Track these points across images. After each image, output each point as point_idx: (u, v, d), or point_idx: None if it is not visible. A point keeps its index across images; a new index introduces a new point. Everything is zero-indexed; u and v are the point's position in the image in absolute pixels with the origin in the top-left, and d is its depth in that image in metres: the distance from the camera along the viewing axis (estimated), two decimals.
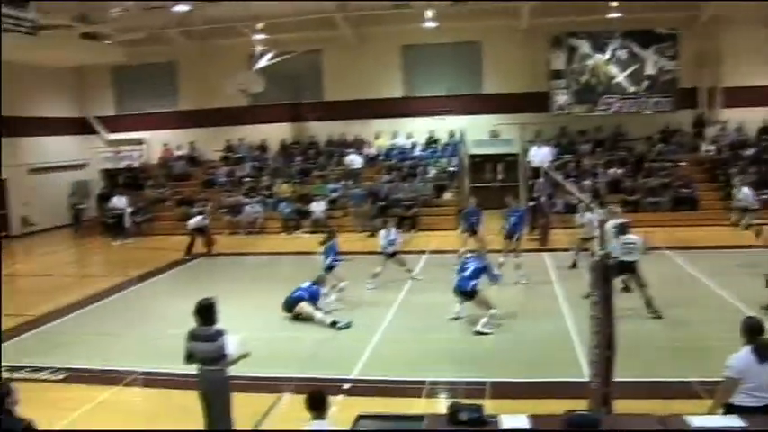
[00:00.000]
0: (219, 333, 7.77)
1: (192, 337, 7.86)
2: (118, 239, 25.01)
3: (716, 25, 26.25)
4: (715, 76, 27.03)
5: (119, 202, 25.57)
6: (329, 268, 15.25)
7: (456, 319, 13.22)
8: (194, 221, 21.69)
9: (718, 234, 20.68)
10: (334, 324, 13.27)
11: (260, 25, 25.82)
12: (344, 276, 15.42)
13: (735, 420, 6.50)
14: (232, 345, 7.81)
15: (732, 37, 26.22)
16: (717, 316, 13.12)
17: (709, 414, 6.88)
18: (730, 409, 6.79)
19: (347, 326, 13.29)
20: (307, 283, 14.27)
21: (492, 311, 12.74)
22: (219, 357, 7.73)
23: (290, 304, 13.92)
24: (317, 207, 25.74)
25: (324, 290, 14.51)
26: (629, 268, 13.28)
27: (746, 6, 24.90)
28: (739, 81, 26.57)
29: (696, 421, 6.47)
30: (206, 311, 7.85)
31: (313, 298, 13.97)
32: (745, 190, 18.67)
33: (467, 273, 13.00)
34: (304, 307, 13.72)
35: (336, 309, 14.44)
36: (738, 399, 6.76)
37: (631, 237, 13.42)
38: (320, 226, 25.18)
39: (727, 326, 12.46)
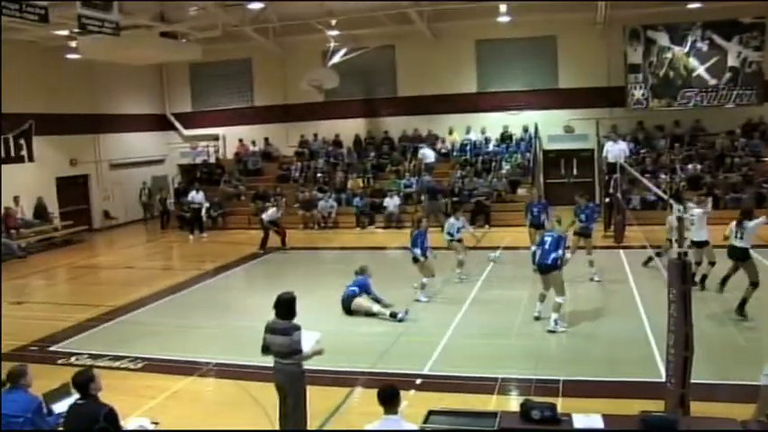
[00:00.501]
0: (295, 328, 7.82)
1: (270, 329, 7.95)
2: (195, 233, 25.50)
3: None
4: None
5: (196, 196, 26.04)
6: (415, 260, 15.11)
7: (538, 318, 12.99)
8: (268, 214, 21.96)
9: None
10: (393, 316, 13.33)
11: (334, 21, 25.97)
12: (432, 269, 15.33)
13: None
14: (306, 341, 7.87)
15: None
16: None
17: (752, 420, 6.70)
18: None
19: (406, 314, 13.34)
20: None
21: (562, 299, 12.56)
22: (294, 352, 7.79)
23: (345, 303, 13.98)
24: (391, 202, 25.84)
25: (370, 279, 14.38)
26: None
27: None
28: None
29: None
30: (286, 305, 7.91)
31: (364, 290, 14.00)
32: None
33: (547, 246, 12.79)
34: (360, 303, 13.79)
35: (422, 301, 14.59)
36: None
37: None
38: (394, 221, 25.35)
39: None
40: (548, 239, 12.88)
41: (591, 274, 16.02)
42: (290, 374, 7.86)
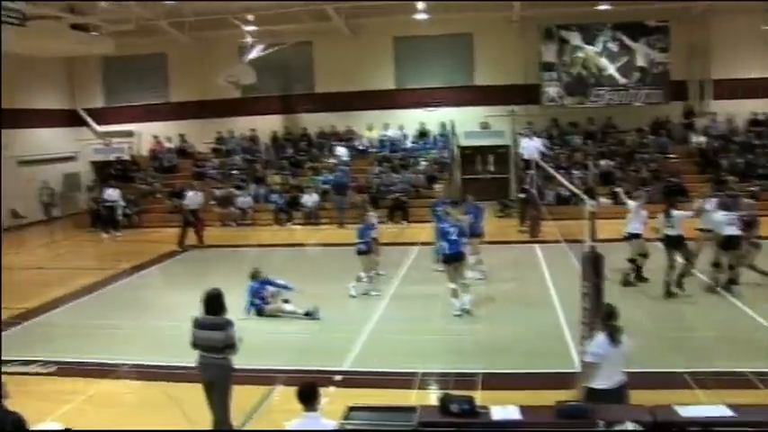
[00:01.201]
0: (230, 323, 7.88)
1: (199, 325, 7.95)
2: (109, 232, 24.88)
3: (707, 17, 26.33)
4: (705, 68, 27.13)
5: (112, 194, 25.35)
6: (360, 252, 15.02)
7: (460, 315, 13.11)
8: (190, 199, 21.57)
9: None
10: (308, 314, 13.24)
11: (251, 17, 25.74)
12: (376, 264, 15.29)
13: (723, 410, 6.55)
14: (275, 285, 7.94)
15: (722, 29, 26.29)
16: (708, 307, 13.24)
17: (572, 398, 7.10)
18: (591, 393, 7.13)
19: (316, 311, 13.25)
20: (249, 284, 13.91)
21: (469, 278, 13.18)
22: (228, 346, 7.82)
23: (252, 313, 13.69)
24: (309, 199, 25.74)
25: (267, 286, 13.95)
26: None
27: None
28: (729, 73, 26.71)
29: (684, 411, 6.53)
30: (215, 301, 7.94)
31: (260, 295, 13.67)
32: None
33: (453, 236, 13.18)
34: (271, 310, 13.57)
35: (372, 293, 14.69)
36: (597, 383, 7.13)
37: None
38: (312, 218, 25.27)
39: (717, 316, 12.67)
40: (451, 230, 13.21)
41: (475, 274, 15.57)
42: (221, 369, 7.88)
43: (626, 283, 14.67)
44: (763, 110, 27.26)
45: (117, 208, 25.30)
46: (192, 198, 21.72)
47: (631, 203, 14.95)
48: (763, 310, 12.59)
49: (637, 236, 14.69)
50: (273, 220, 25.96)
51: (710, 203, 14.66)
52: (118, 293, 16.51)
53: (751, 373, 9.69)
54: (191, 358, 7.99)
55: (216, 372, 7.88)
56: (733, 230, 13.74)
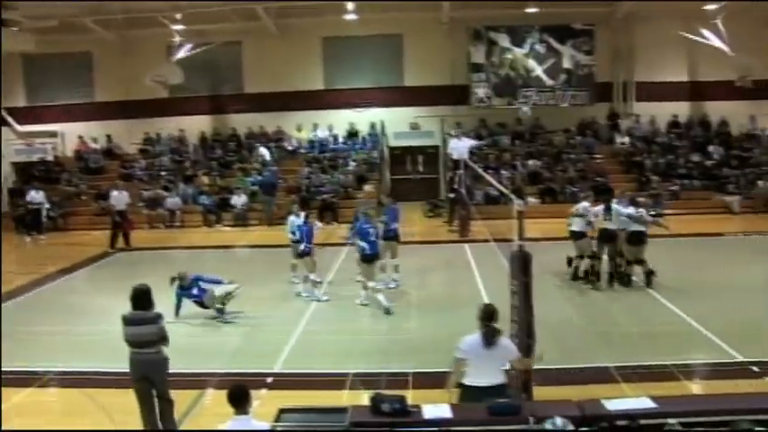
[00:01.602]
0: (160, 316, 7.95)
1: (129, 321, 7.88)
2: (32, 235, 24.18)
3: (630, 22, 27.06)
4: (629, 70, 27.87)
5: (36, 196, 24.52)
6: (300, 255, 14.76)
7: (390, 312, 13.28)
8: (115, 198, 21.14)
9: None
10: (221, 311, 13.14)
11: (179, 15, 25.38)
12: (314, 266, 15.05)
13: (647, 402, 6.73)
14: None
15: (645, 33, 27.03)
16: (635, 304, 13.58)
17: (448, 397, 7.27)
18: (464, 390, 7.27)
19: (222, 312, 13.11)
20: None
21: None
22: (161, 339, 7.88)
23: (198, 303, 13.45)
24: (238, 200, 25.50)
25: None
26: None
27: (660, 3, 25.66)
28: (651, 76, 27.49)
29: (610, 405, 6.68)
30: (143, 296, 7.94)
31: (192, 296, 13.39)
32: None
33: (373, 237, 13.59)
34: (207, 299, 13.31)
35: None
36: (469, 379, 7.23)
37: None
38: (241, 219, 25.05)
39: (643, 313, 13.00)
40: (371, 230, 13.57)
41: (390, 281, 15.48)
42: (156, 363, 7.89)
43: (575, 277, 15.25)
44: (683, 112, 28.24)
45: (41, 210, 24.56)
46: (118, 198, 21.24)
47: (583, 204, 15.26)
48: (683, 304, 13.00)
49: (579, 235, 15.04)
50: (202, 221, 25.65)
51: (622, 202, 15.05)
52: (44, 298, 16.05)
53: (672, 365, 10.00)
54: (118, 364, 7.84)
55: (151, 366, 7.88)
56: (638, 227, 14.46)
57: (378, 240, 13.68)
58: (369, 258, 13.51)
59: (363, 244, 13.48)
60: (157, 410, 7.98)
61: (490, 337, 7.19)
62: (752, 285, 14.23)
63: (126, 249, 20.97)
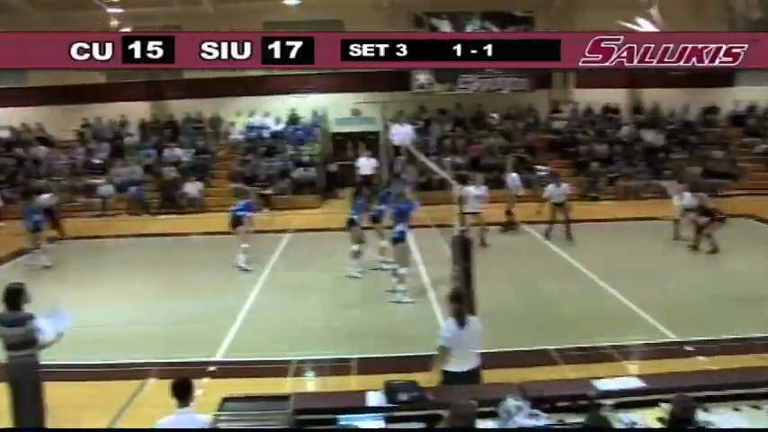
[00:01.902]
0: (29, 317, 7.59)
1: (0, 321, 7.64)
2: None
3: (569, 9, 27.30)
4: None
5: None
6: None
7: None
8: (43, 200, 20.66)
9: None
10: None
11: None
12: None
13: (636, 382, 6.89)
14: (47, 327, 7.60)
15: (584, 21, 27.23)
16: (573, 287, 13.83)
17: (429, 382, 7.33)
18: (446, 376, 7.41)
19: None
20: None
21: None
22: (30, 342, 7.55)
23: None
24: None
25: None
26: None
27: None
28: None
29: (601, 385, 6.87)
30: (13, 296, 7.66)
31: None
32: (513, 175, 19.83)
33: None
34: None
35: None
36: (450, 366, 7.39)
37: None
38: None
39: (584, 296, 13.25)
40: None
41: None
42: (24, 366, 7.58)
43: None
44: (620, 100, 29.23)
45: None
46: (48, 200, 20.66)
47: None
48: (619, 285, 13.29)
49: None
50: (143, 209, 25.18)
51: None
52: None
53: (612, 346, 10.24)
54: (56, 356, 7.67)
55: (18, 370, 7.59)
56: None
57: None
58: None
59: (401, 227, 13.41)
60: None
61: (462, 318, 7.34)
62: (684, 267, 14.64)
63: (59, 239, 20.38)
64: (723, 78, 28.65)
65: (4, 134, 29.12)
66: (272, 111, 29.07)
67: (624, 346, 10.48)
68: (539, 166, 25.37)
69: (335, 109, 28.87)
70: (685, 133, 28.05)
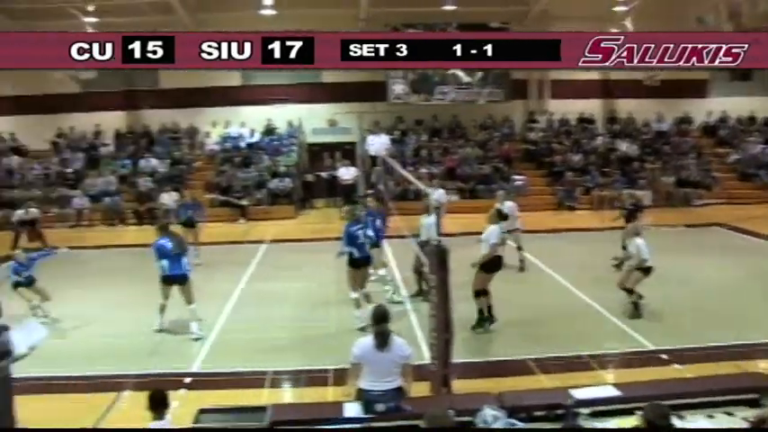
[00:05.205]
0: (2, 329, 7.47)
1: None
2: None
3: (544, 21, 27.51)
4: (544, 69, 28.40)
5: None
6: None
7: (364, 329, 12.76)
8: (18, 214, 20.49)
9: (544, 218, 21.76)
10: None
11: (91, 7, 24.70)
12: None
13: (611, 390, 6.90)
14: (20, 340, 7.51)
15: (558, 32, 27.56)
16: (549, 297, 13.90)
17: (343, 397, 7.31)
18: (359, 393, 7.18)
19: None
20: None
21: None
22: (2, 354, 7.41)
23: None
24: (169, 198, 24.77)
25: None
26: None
27: (572, 3, 26.29)
28: (564, 75, 28.05)
29: (578, 394, 6.90)
30: None
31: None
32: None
33: (361, 239, 12.51)
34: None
35: None
36: (364, 383, 7.13)
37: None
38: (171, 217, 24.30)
39: (559, 306, 13.30)
40: (360, 233, 12.50)
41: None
42: None
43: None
44: (594, 110, 29.63)
45: None
46: (23, 215, 20.63)
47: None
48: (596, 295, 13.37)
49: None
50: (118, 220, 25.01)
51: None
52: None
53: (588, 355, 10.30)
54: (28, 369, 7.59)
55: None
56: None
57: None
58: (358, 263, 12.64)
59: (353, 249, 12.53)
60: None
61: (382, 340, 7.05)
62: (658, 276, 14.74)
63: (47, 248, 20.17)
64: (696, 89, 29.16)
65: None
66: (248, 121, 28.98)
67: (601, 354, 10.56)
68: (514, 176, 25.63)
69: (311, 119, 28.94)
70: (659, 143, 28.37)
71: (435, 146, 27.92)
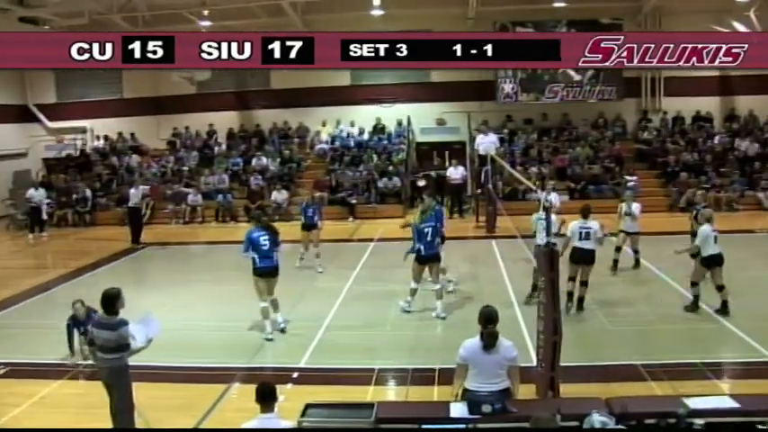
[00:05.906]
0: (122, 323, 7.78)
1: (96, 324, 7.99)
2: (34, 232, 23.49)
3: (658, 16, 26.76)
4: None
5: (35, 194, 23.72)
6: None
7: (408, 312, 13.12)
8: (133, 196, 21.40)
9: (658, 221, 21.06)
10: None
11: (206, 12, 25.47)
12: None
13: (728, 402, 6.67)
14: (139, 334, 7.81)
15: (673, 27, 26.65)
16: (660, 300, 13.45)
17: (451, 398, 7.28)
18: (465, 393, 7.16)
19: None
20: None
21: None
22: (120, 347, 7.73)
23: None
24: (279, 196, 25.35)
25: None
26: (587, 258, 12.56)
27: None
28: (679, 72, 27.11)
29: (693, 403, 6.67)
30: (109, 301, 7.86)
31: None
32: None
33: (429, 237, 12.75)
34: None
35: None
36: (470, 384, 7.13)
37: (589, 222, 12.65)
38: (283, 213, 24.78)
39: (668, 310, 12.86)
40: (428, 230, 12.75)
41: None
42: (114, 370, 7.81)
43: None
44: (712, 107, 28.30)
45: (41, 208, 23.89)
46: (133, 195, 21.44)
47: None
48: (712, 301, 12.81)
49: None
50: (229, 217, 25.71)
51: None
52: (69, 293, 15.98)
53: (702, 363, 9.91)
54: (144, 359, 7.88)
55: (109, 372, 7.84)
56: None
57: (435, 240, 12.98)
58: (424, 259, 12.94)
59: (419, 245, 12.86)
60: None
61: (489, 341, 7.11)
62: None
63: (135, 243, 21.13)
64: None
65: (100, 144, 30.21)
66: (358, 120, 29.29)
67: (716, 363, 10.13)
68: (627, 177, 24.89)
69: (420, 119, 28.95)
70: None
71: (545, 145, 27.50)
